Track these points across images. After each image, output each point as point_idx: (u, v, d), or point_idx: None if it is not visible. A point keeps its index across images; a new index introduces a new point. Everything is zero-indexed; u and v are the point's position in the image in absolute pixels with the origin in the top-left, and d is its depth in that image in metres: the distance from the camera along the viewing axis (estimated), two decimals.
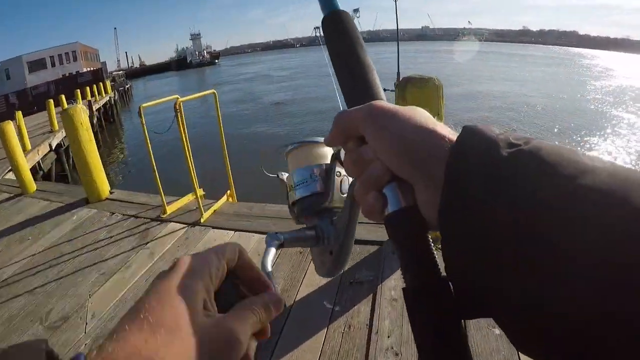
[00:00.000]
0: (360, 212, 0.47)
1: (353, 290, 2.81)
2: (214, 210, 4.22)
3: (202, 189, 4.61)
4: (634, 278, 0.24)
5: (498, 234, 0.31)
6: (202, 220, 4.02)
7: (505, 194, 0.31)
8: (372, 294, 2.75)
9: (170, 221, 4.13)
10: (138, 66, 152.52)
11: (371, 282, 2.86)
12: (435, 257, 0.38)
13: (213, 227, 3.90)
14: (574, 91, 25.33)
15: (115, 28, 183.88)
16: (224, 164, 4.62)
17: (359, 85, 0.49)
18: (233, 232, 3.77)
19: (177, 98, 4.05)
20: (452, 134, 0.38)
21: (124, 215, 4.40)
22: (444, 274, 0.37)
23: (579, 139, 14.02)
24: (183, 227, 3.98)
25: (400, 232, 0.40)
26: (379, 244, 3.26)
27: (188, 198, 4.47)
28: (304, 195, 0.54)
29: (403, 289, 0.38)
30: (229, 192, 4.63)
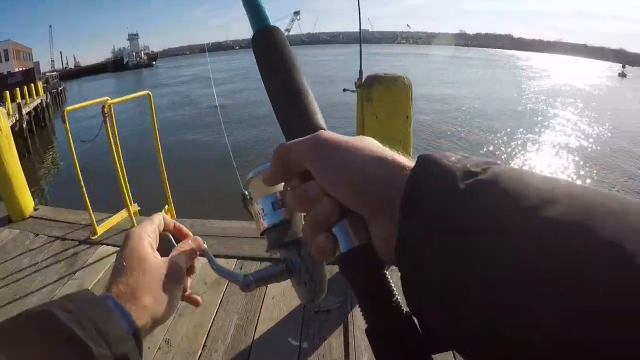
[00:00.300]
0: None
1: (320, 320, 2.47)
2: None
3: (137, 205, 4.10)
4: (600, 304, 0.24)
5: (455, 277, 0.30)
6: None
7: (463, 229, 0.30)
8: (342, 324, 2.42)
9: (102, 244, 3.58)
10: (73, 67, 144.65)
11: (340, 310, 2.53)
12: (395, 294, 0.37)
13: None
14: (512, 91, 26.48)
15: (50, 26, 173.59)
16: (161, 176, 4.10)
17: (297, 114, 0.46)
18: None
19: (107, 100, 3.51)
20: (407, 163, 0.36)
21: (49, 237, 3.78)
22: (406, 310, 0.36)
23: (519, 136, 14.40)
24: (116, 251, 3.39)
25: (354, 272, 0.39)
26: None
27: (121, 215, 3.91)
28: (269, 226, 0.50)
29: (365, 329, 0.37)
30: (166, 207, 4.13)
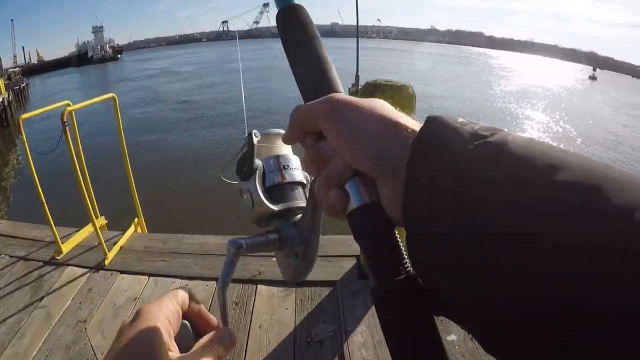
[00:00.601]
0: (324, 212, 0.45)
1: (313, 352, 2.27)
2: (120, 247, 3.37)
3: (104, 217, 3.77)
4: (612, 267, 0.24)
5: (463, 232, 0.29)
6: (106, 263, 3.18)
7: (470, 191, 0.30)
8: (337, 356, 2.22)
9: (68, 264, 3.23)
10: (36, 62, 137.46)
11: (333, 339, 2.32)
12: (403, 253, 0.37)
13: (121, 272, 3.08)
14: (483, 90, 26.72)
15: (12, 20, 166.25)
16: (129, 185, 3.77)
17: (317, 79, 0.47)
18: (147, 277, 3.00)
19: (67, 105, 3.16)
20: (416, 126, 0.37)
21: (11, 257, 3.40)
22: (412, 271, 0.36)
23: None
24: (84, 273, 3.12)
25: (365, 229, 0.39)
26: (331, 285, 2.74)
27: (87, 230, 3.57)
28: (277, 183, 0.50)
29: (371, 289, 0.37)
30: (136, 220, 3.80)
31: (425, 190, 0.32)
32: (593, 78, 56.12)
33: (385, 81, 2.27)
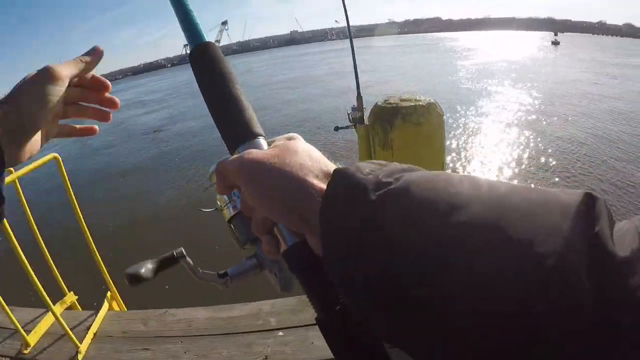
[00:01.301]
0: None
1: None
2: (94, 334, 2.78)
3: (73, 293, 3.16)
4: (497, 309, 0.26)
5: (373, 273, 0.31)
6: (79, 358, 2.56)
7: (374, 235, 0.32)
8: None
9: None
10: None
11: None
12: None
13: None
14: (448, 74, 26.45)
15: None
16: (93, 256, 3.16)
17: (231, 126, 0.50)
18: None
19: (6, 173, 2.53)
20: (327, 175, 0.40)
21: None
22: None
23: (457, 116, 13.94)
24: None
25: (299, 264, 0.42)
26: None
27: (57, 310, 2.91)
28: (231, 215, 0.54)
29: (315, 318, 0.40)
30: (109, 294, 3.19)
31: (338, 245, 0.34)
32: (556, 43, 56.53)
33: (402, 100, 1.67)
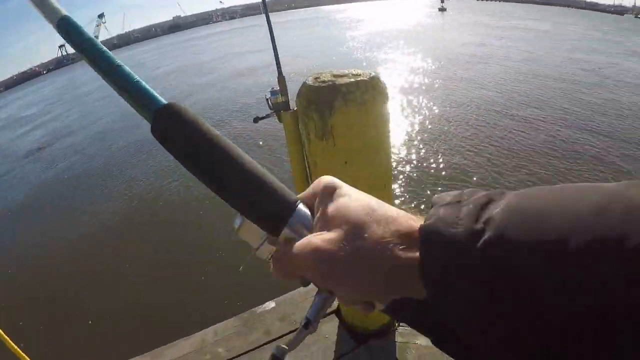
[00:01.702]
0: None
1: None
2: None
3: None
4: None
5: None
6: None
7: (495, 294, 0.30)
8: None
9: None
10: None
11: None
12: None
13: None
14: (336, 47, 26.54)
15: None
16: None
17: (263, 205, 0.43)
18: None
19: None
20: (406, 242, 0.37)
21: None
22: None
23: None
24: None
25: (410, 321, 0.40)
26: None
27: None
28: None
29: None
30: None
31: (453, 305, 0.33)
32: (443, 9, 59.17)
33: (336, 76, 1.38)
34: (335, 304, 2.16)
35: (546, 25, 33.10)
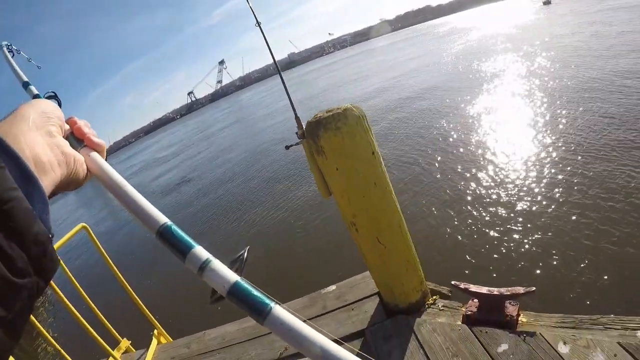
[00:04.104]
0: None
1: None
2: None
3: (126, 339, 3.59)
4: None
5: None
6: None
7: None
8: None
9: None
10: None
11: None
12: None
13: None
14: (448, 61, 25.42)
15: None
16: (135, 303, 3.58)
17: None
18: None
19: None
20: None
21: None
22: None
23: (468, 106, 12.43)
24: None
25: None
26: (360, 335, 2.55)
27: (117, 355, 3.37)
28: None
29: None
30: (156, 332, 3.62)
31: None
32: (547, 3, 55.11)
33: (327, 111, 2.03)
34: (376, 288, 2.77)
35: None
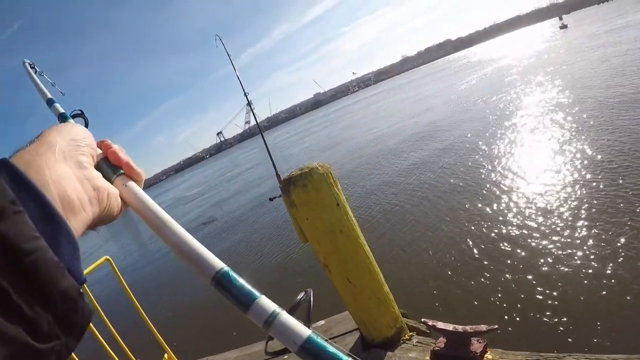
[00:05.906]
0: None
1: None
2: None
3: None
4: None
5: None
6: None
7: None
8: None
9: None
10: None
11: None
12: None
13: None
14: (470, 95, 24.76)
15: None
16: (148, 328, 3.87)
17: None
18: None
19: None
20: None
21: None
22: None
23: (490, 140, 12.07)
24: None
25: None
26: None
27: None
28: None
29: None
30: (166, 356, 3.88)
31: None
32: (564, 27, 55.60)
33: (299, 170, 2.43)
34: (355, 325, 3.01)
35: None
